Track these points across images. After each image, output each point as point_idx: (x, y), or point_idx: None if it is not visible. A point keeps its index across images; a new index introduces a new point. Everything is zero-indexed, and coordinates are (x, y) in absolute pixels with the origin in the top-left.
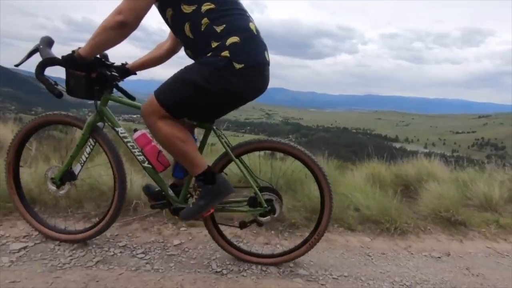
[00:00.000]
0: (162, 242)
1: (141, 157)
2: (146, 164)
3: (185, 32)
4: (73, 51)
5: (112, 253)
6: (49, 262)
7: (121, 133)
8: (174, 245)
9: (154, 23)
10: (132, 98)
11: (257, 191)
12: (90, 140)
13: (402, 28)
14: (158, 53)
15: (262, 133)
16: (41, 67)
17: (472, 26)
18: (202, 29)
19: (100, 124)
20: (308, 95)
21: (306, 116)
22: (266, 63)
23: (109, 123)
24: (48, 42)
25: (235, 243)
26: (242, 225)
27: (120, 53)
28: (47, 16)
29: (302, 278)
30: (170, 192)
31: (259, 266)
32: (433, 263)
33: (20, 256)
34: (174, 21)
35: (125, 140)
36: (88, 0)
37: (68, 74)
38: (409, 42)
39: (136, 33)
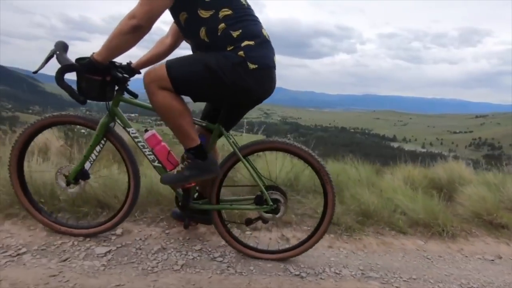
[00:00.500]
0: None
1: (151, 156)
2: (156, 163)
3: (199, 35)
4: (89, 57)
5: (192, 257)
6: (138, 265)
7: (132, 133)
8: None
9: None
10: (134, 95)
11: (263, 189)
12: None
13: (400, 28)
14: (161, 49)
15: (260, 132)
16: (61, 73)
17: (470, 26)
18: (219, 34)
19: (111, 124)
20: (306, 94)
21: (304, 115)
22: (275, 67)
23: (121, 124)
24: (63, 47)
25: (241, 239)
26: (248, 222)
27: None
28: (44, 14)
29: (376, 281)
30: (179, 190)
31: (332, 269)
32: (490, 266)
33: (109, 260)
34: (188, 24)
35: (136, 140)
36: None
37: (80, 77)
38: (407, 42)
39: None
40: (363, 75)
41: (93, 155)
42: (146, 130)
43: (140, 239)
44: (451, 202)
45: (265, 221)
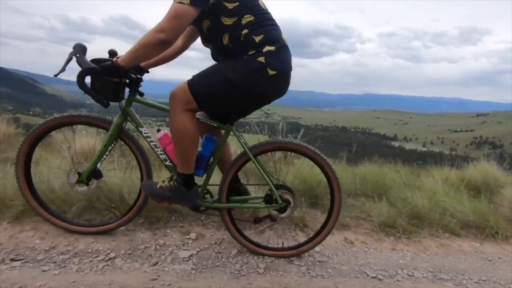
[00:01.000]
0: None
1: (163, 156)
2: (167, 163)
3: (222, 41)
4: (112, 61)
5: (270, 260)
6: (224, 268)
7: (145, 133)
8: (317, 252)
9: (151, 22)
10: (141, 94)
11: (273, 188)
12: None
13: (400, 27)
14: (171, 51)
15: (261, 132)
16: (82, 76)
17: (469, 25)
18: (242, 39)
19: (123, 124)
20: (306, 94)
21: (304, 115)
22: (291, 70)
23: (133, 124)
24: (83, 49)
25: (250, 237)
26: (257, 221)
27: (119, 53)
28: (44, 15)
29: (449, 282)
30: None
31: (404, 271)
32: None
33: (195, 264)
34: (210, 31)
35: (148, 139)
36: None
37: (96, 79)
38: (407, 41)
39: (132, 32)
40: (363, 74)
41: (104, 155)
42: (159, 130)
43: (215, 243)
44: (491, 203)
45: (273, 219)
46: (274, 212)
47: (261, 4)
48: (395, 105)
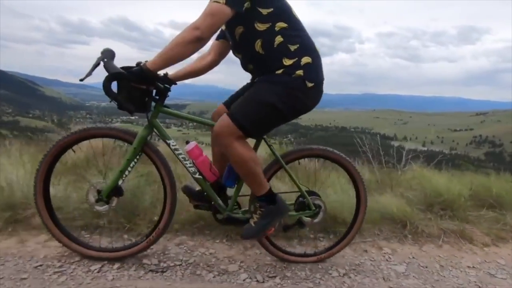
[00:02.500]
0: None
1: (193, 169)
2: (197, 176)
3: (254, 48)
4: (140, 65)
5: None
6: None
7: (173, 145)
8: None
9: (150, 24)
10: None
11: (306, 195)
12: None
13: (399, 26)
14: (202, 64)
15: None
16: (109, 81)
17: (468, 24)
18: (275, 46)
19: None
20: None
21: (304, 116)
22: (324, 79)
23: (160, 136)
24: (111, 54)
25: (279, 245)
26: (286, 228)
27: (118, 55)
28: (42, 18)
29: None
30: (220, 201)
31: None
32: None
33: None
34: (243, 37)
35: (177, 152)
36: (83, 1)
37: (123, 86)
38: (406, 41)
39: (130, 33)
40: (362, 74)
41: (126, 171)
42: (187, 142)
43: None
44: None
45: (302, 225)
46: (306, 219)
47: (294, 12)
48: (394, 105)
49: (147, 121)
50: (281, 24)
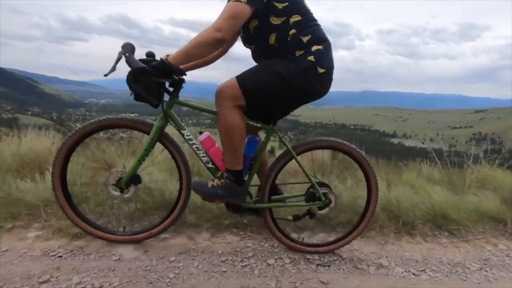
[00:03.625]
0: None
1: (206, 158)
2: (210, 165)
3: (269, 41)
4: (161, 59)
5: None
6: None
7: (187, 135)
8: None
9: (149, 21)
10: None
11: (316, 186)
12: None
13: (399, 23)
14: (213, 54)
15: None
16: (133, 76)
17: (469, 21)
18: (289, 39)
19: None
20: None
21: (304, 113)
22: (333, 68)
23: (175, 126)
24: (132, 49)
25: (290, 235)
26: (296, 218)
27: (117, 52)
28: (41, 15)
29: None
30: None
31: None
32: None
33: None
34: (257, 31)
35: (190, 142)
36: None
37: (139, 79)
38: (406, 38)
39: (130, 31)
40: (362, 71)
41: (143, 160)
42: (201, 133)
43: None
44: None
45: (312, 216)
46: (315, 209)
47: (307, 5)
48: (394, 102)
49: (162, 112)
50: (295, 18)
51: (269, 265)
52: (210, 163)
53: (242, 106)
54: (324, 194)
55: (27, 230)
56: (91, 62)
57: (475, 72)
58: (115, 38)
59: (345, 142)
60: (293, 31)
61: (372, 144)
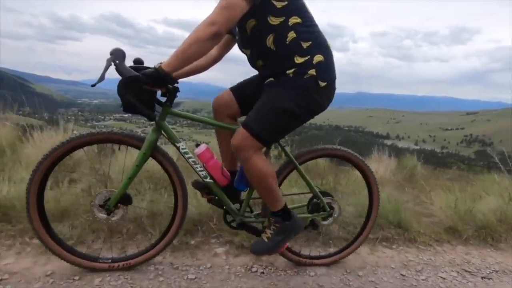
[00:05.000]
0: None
1: (203, 173)
2: (208, 180)
3: (266, 43)
4: (155, 67)
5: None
6: None
7: (182, 148)
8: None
9: (143, 20)
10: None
11: (320, 196)
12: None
13: (392, 26)
14: (205, 61)
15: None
16: (125, 86)
17: (460, 24)
18: (287, 42)
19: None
20: None
21: None
22: (336, 78)
23: (169, 139)
24: (122, 55)
25: (293, 248)
26: None
27: (109, 51)
28: (32, 13)
29: None
30: (232, 206)
31: None
32: None
33: None
34: (255, 31)
35: (187, 156)
36: None
37: (130, 88)
38: (399, 40)
39: (123, 30)
40: (356, 73)
41: (135, 177)
42: (198, 145)
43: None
44: None
45: (315, 227)
46: (320, 220)
47: (307, 7)
48: (387, 104)
49: (155, 124)
50: (294, 19)
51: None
52: (209, 177)
53: (261, 148)
54: (328, 204)
55: (209, 246)
56: (84, 62)
57: (466, 75)
58: (108, 38)
59: (349, 151)
60: (292, 33)
61: (365, 146)
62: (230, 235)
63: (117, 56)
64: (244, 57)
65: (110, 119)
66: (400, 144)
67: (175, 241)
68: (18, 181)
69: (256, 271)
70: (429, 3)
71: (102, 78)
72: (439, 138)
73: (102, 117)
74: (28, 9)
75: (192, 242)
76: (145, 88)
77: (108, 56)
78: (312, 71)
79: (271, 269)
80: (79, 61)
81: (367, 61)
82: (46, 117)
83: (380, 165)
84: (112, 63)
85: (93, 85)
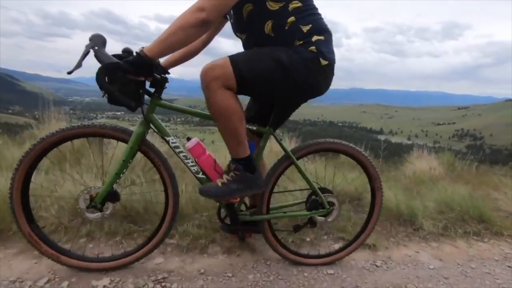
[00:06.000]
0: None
1: (195, 168)
2: (200, 175)
3: (264, 29)
4: (137, 52)
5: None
6: None
7: (172, 142)
8: None
9: (135, 17)
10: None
11: (319, 192)
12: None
13: (385, 21)
14: (194, 46)
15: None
16: (104, 74)
17: (451, 20)
18: (287, 28)
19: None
20: None
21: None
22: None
23: (158, 133)
24: (102, 42)
25: (290, 247)
26: (296, 228)
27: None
28: (20, 10)
29: None
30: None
31: None
32: None
33: None
34: (252, 17)
35: (177, 150)
36: None
37: (114, 78)
38: (391, 36)
39: (114, 27)
40: (349, 69)
41: (122, 173)
42: (189, 139)
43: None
44: None
45: (313, 225)
46: (320, 218)
47: None
48: (380, 99)
49: (142, 116)
50: (295, 4)
51: None
52: (201, 173)
53: (231, 88)
54: (328, 201)
55: (325, 242)
56: (74, 59)
57: (457, 70)
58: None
59: (350, 144)
60: (291, 18)
61: (360, 141)
62: (339, 231)
63: (96, 42)
64: (234, 49)
65: (103, 117)
66: (394, 139)
67: (296, 238)
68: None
69: (381, 266)
70: None
71: (79, 65)
72: (431, 133)
73: (94, 115)
74: (14, 5)
75: (307, 239)
76: (130, 78)
77: (86, 44)
78: (312, 48)
79: (391, 263)
80: (69, 58)
81: (360, 56)
82: (37, 116)
83: (423, 161)
84: (91, 50)
85: (69, 72)
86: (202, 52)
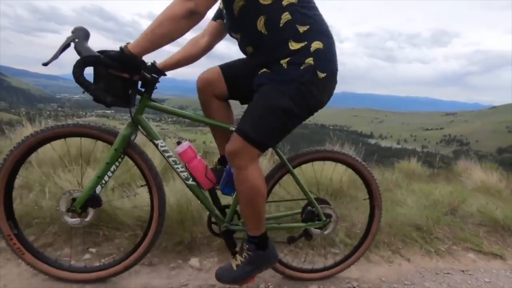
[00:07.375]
0: None
1: (185, 174)
2: (190, 182)
3: (256, 26)
4: (121, 48)
5: None
6: None
7: (161, 146)
8: None
9: (127, 14)
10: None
11: (315, 203)
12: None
13: (377, 27)
14: (195, 50)
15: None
16: (81, 67)
17: (441, 27)
18: (281, 25)
19: (132, 136)
20: None
21: None
22: (337, 70)
23: (147, 135)
24: (84, 35)
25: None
26: (291, 240)
27: (91, 45)
28: (8, 3)
29: None
30: (217, 212)
31: None
32: None
33: None
34: (243, 12)
35: (166, 154)
36: None
37: (101, 73)
38: (383, 41)
39: (106, 23)
40: (341, 73)
41: (106, 176)
42: (179, 143)
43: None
44: None
45: (309, 237)
46: (315, 230)
47: None
48: (371, 104)
49: (130, 117)
50: None
51: None
52: (191, 179)
53: (258, 155)
54: (324, 213)
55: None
56: (63, 55)
57: (445, 77)
58: (91, 31)
59: (349, 154)
60: (286, 15)
61: (352, 146)
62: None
63: (78, 34)
64: (230, 55)
65: (92, 115)
66: (383, 143)
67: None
68: None
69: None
70: (412, 4)
71: (55, 56)
72: (419, 138)
73: (83, 113)
74: None
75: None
76: (113, 74)
77: (68, 36)
78: (310, 60)
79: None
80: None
81: (352, 61)
82: (24, 113)
83: (477, 172)
84: (72, 42)
85: (44, 64)
86: None
